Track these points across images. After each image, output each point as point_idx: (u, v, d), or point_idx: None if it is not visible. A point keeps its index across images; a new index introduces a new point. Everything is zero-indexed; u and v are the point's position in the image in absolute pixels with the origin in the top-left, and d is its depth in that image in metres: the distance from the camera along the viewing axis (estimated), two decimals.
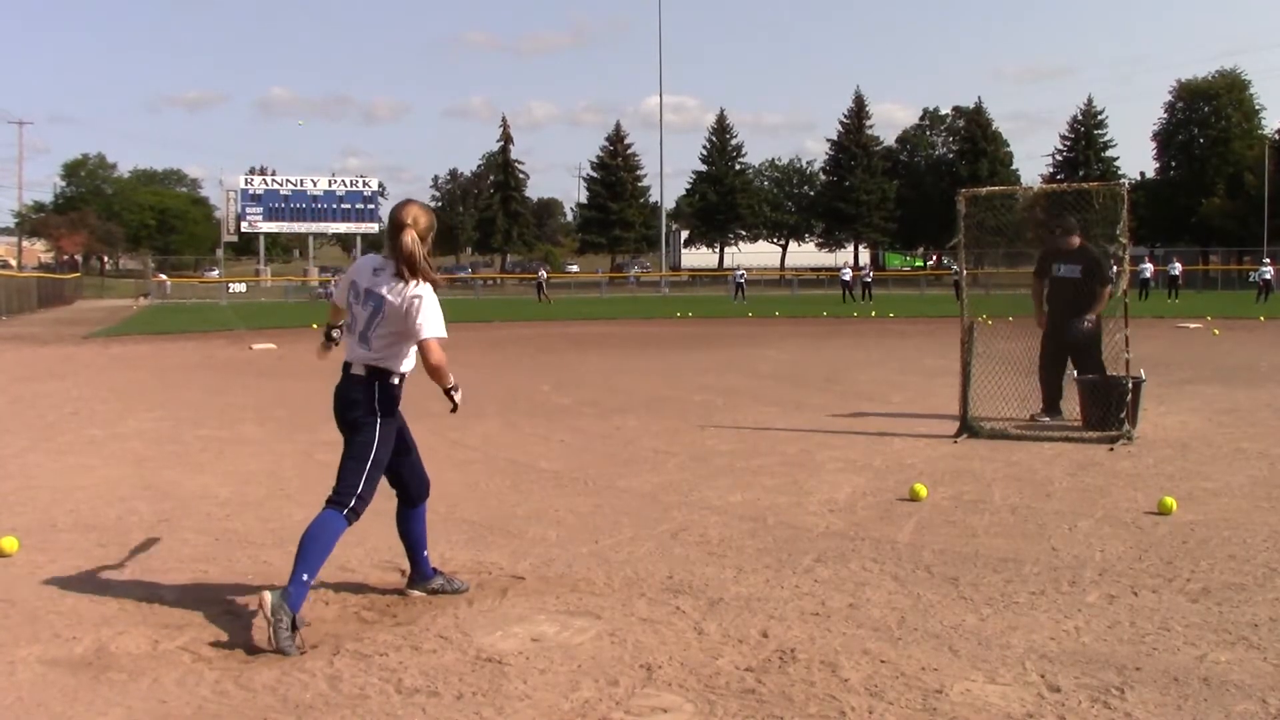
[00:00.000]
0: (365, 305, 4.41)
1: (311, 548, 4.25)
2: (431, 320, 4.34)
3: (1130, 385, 8.70)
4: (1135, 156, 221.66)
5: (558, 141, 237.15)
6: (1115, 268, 9.44)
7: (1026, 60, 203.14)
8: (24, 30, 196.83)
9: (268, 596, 4.08)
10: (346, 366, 4.47)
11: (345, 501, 4.35)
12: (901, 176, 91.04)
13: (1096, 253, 9.60)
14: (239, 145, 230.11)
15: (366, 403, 4.41)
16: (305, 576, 4.19)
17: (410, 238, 4.34)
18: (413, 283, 4.34)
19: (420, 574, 4.81)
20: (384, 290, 4.36)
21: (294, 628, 4.07)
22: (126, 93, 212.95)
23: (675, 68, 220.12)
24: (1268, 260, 46.28)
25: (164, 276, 60.00)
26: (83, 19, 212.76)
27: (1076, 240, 9.66)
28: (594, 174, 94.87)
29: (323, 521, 4.32)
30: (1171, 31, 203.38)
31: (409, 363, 4.48)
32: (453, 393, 4.55)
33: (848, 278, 49.00)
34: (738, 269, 54.89)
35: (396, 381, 4.45)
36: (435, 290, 4.42)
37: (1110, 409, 8.71)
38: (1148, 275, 43.87)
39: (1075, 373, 9.40)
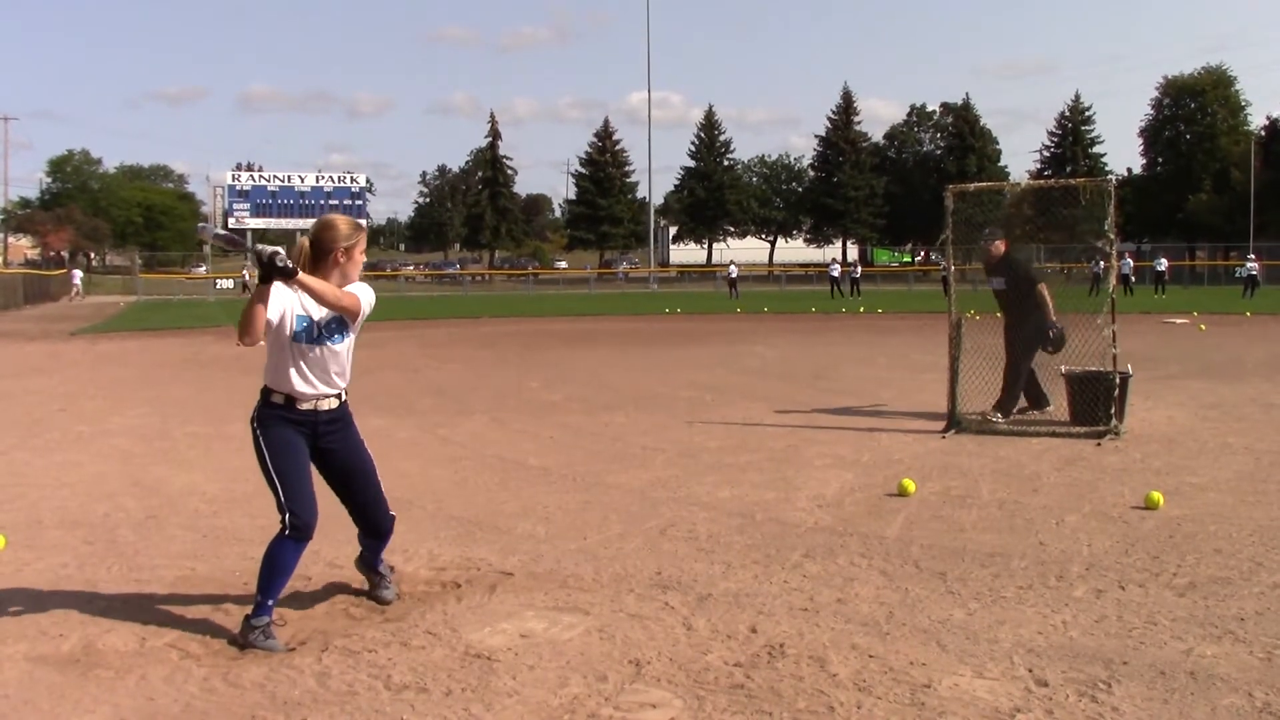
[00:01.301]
0: None
1: (264, 571, 4.22)
2: None
3: (1117, 380, 8.73)
4: (1122, 153, 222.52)
5: (541, 138, 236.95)
6: (1103, 263, 9.46)
7: (1007, 56, 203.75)
8: (3, 26, 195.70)
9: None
10: (338, 396, 4.45)
11: (280, 519, 4.22)
12: (890, 173, 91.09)
13: (1019, 258, 9.73)
14: (220, 141, 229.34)
15: (350, 419, 4.45)
16: (261, 598, 4.18)
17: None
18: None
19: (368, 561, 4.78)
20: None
21: (265, 632, 4.11)
22: (108, 88, 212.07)
23: (658, 63, 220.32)
24: (1253, 256, 46.44)
25: (246, 274, 57.44)
26: (62, 13, 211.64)
27: (1000, 248, 9.74)
28: (582, 170, 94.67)
29: (269, 544, 4.26)
30: (1153, 28, 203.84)
31: (271, 376, 4.29)
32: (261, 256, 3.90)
33: (836, 274, 49.02)
34: (730, 264, 54.81)
35: (268, 394, 4.30)
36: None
37: (1098, 404, 8.75)
38: (1128, 270, 43.97)
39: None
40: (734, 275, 50.99)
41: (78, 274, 61.66)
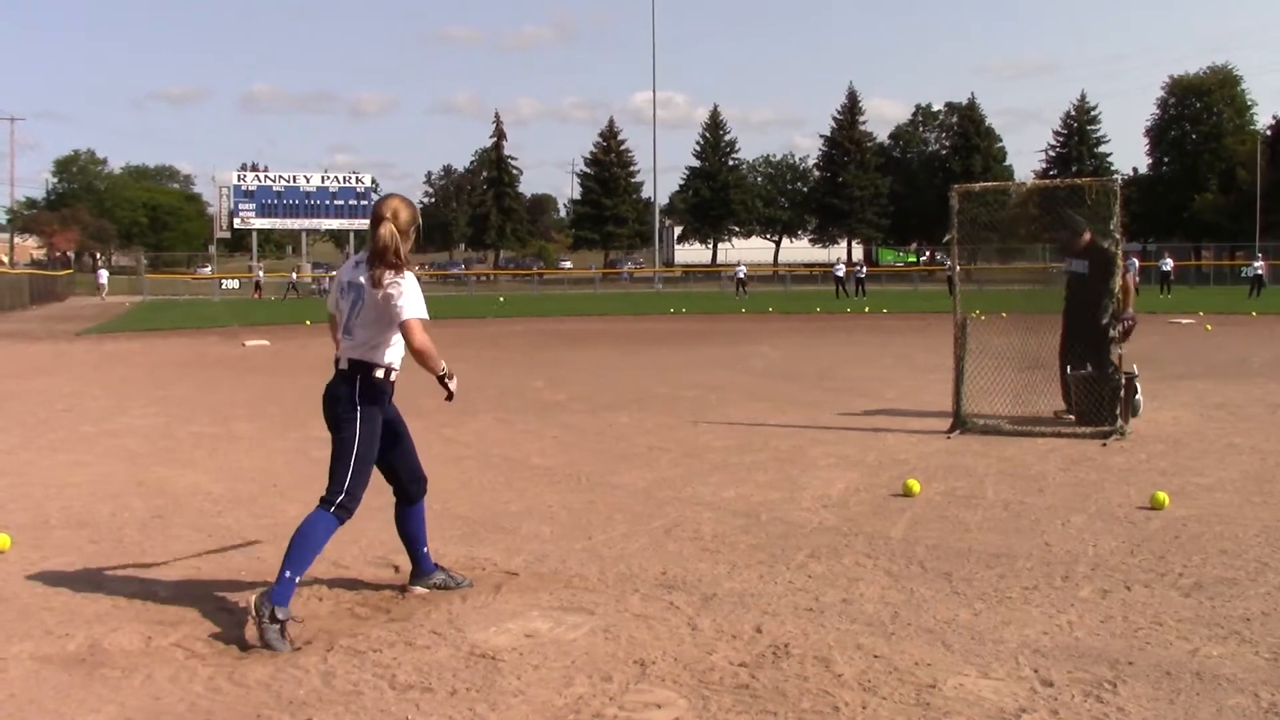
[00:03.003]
0: (346, 297, 4.45)
1: (298, 545, 4.26)
2: (411, 302, 4.34)
3: (1123, 381, 8.71)
4: (1128, 152, 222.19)
5: (546, 138, 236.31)
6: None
7: (1011, 56, 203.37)
8: (8, 26, 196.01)
9: (252, 596, 4.12)
10: (336, 362, 4.49)
11: (333, 500, 4.34)
12: (895, 172, 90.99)
13: (1104, 247, 9.52)
14: (225, 141, 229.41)
15: (348, 397, 4.40)
16: (288, 573, 4.21)
17: (388, 230, 4.37)
18: (390, 272, 4.34)
19: (421, 570, 4.80)
20: (362, 279, 4.39)
21: (278, 622, 4.08)
22: (112, 88, 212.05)
23: (662, 63, 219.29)
24: (1260, 255, 46.34)
25: (303, 270, 56.93)
26: (66, 14, 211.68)
27: (1086, 237, 9.58)
28: (587, 170, 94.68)
29: (312, 520, 4.33)
30: (1158, 28, 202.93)
31: (395, 354, 4.45)
32: (446, 380, 4.52)
33: (841, 273, 49.01)
34: (738, 265, 54.92)
35: (381, 375, 4.43)
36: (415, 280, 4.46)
37: (1103, 405, 8.72)
38: (1134, 271, 43.87)
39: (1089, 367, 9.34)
40: (742, 275, 51.19)
41: (104, 273, 62.19)
